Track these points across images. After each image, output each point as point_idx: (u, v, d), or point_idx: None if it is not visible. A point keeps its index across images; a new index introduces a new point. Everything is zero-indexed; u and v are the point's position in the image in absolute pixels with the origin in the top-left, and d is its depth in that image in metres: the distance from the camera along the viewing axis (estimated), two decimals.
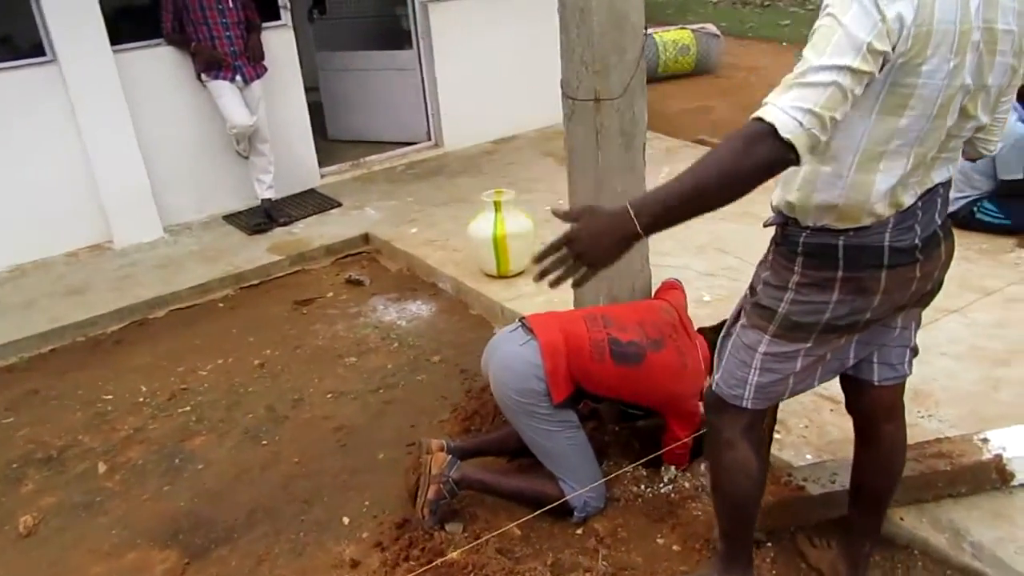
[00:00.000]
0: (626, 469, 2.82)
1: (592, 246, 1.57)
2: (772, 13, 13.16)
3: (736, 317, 2.02)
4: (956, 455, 2.41)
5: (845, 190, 1.66)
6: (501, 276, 4.24)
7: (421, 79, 6.37)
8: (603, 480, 2.69)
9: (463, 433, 3.25)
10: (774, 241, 1.87)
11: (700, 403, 2.62)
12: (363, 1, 7.05)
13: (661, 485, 2.80)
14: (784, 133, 1.41)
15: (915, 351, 2.01)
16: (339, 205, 5.63)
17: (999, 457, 2.42)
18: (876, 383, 1.99)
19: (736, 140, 1.46)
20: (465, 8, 6.26)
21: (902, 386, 2.03)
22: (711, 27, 9.68)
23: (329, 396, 3.59)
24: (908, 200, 1.70)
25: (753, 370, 1.94)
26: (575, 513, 2.65)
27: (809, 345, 1.86)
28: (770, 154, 1.44)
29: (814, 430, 2.81)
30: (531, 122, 6.85)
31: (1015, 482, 2.44)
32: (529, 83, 6.68)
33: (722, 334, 2.06)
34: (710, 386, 2.09)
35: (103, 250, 5.22)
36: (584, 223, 1.58)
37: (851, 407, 2.13)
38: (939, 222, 1.77)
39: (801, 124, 1.42)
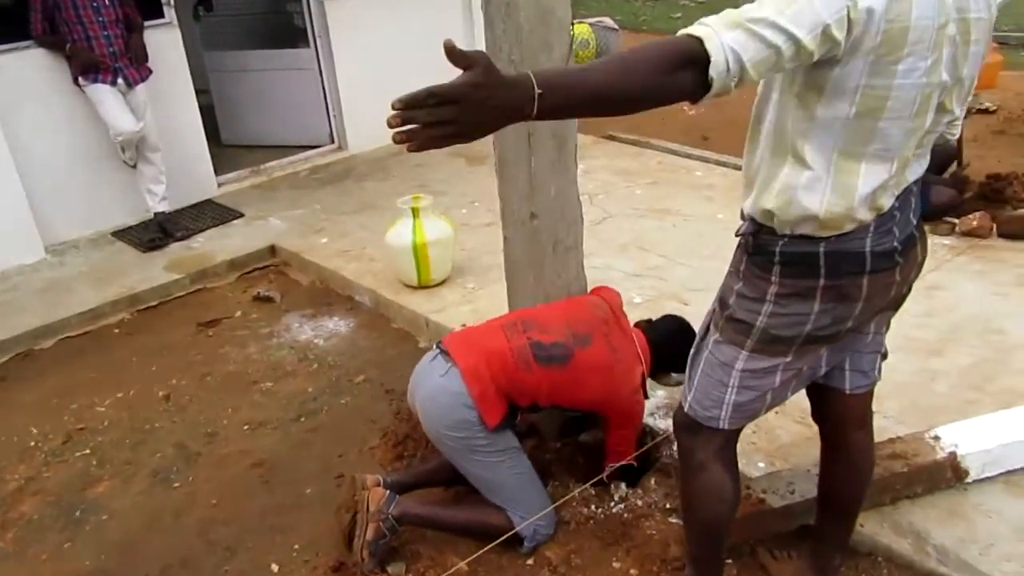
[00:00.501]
0: (573, 493, 2.67)
1: (475, 109, 1.25)
2: (664, 7, 13.36)
3: (705, 332, 1.91)
4: (911, 455, 2.38)
5: (827, 195, 1.56)
6: (423, 286, 4.04)
7: (321, 79, 6.08)
8: (552, 506, 2.54)
9: (396, 460, 3.05)
10: (744, 251, 1.76)
11: (639, 398, 2.55)
12: None
13: (612, 504, 2.68)
14: (712, 71, 1.29)
15: (885, 355, 1.94)
16: (240, 215, 5.29)
17: (953, 455, 2.40)
18: (848, 391, 1.92)
19: (665, 53, 1.30)
20: (364, 4, 5.99)
21: (872, 392, 1.97)
22: (608, 20, 9.61)
23: (246, 428, 3.32)
24: (887, 203, 1.62)
25: (730, 389, 1.83)
26: (524, 543, 2.50)
27: (789, 359, 1.76)
28: (689, 83, 1.31)
29: (763, 435, 2.75)
30: None
31: (969, 479, 2.43)
32: (434, 80, 6.40)
33: (692, 351, 1.94)
34: (680, 407, 1.97)
35: None
36: (478, 80, 1.24)
37: (819, 416, 2.05)
38: (915, 222, 1.70)
39: (728, 70, 1.30)
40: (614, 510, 2.65)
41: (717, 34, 1.30)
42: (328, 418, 3.35)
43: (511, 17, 2.43)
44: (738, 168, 5.45)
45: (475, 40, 6.52)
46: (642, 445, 2.83)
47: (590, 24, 10.93)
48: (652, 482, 2.73)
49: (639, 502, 2.66)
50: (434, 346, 2.60)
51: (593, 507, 2.67)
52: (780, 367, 1.78)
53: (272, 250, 4.84)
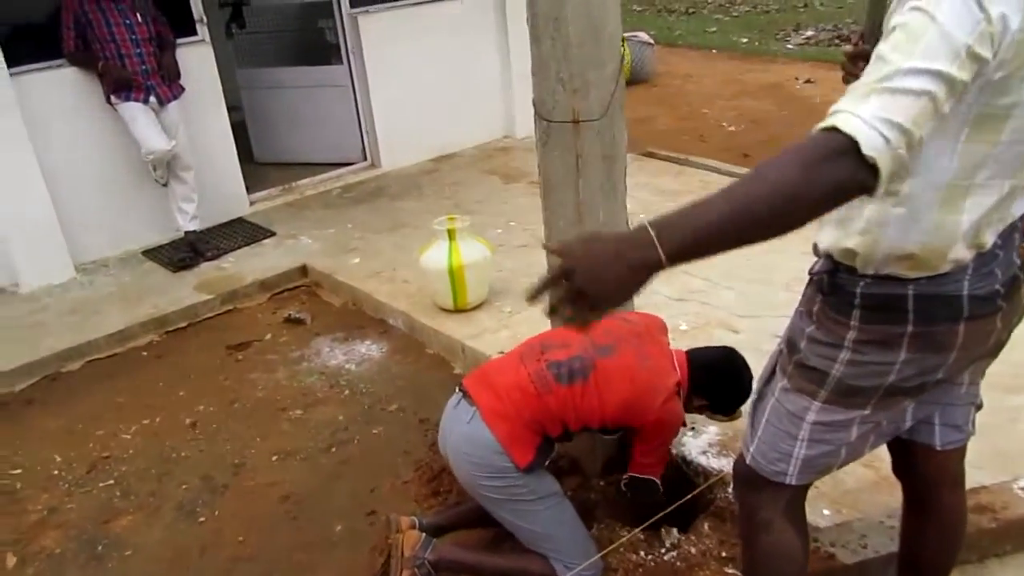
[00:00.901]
0: (622, 540, 2.49)
1: (595, 279, 1.18)
2: (697, 20, 13.18)
3: (770, 377, 1.73)
4: (999, 508, 2.18)
5: (924, 235, 1.38)
6: (459, 310, 3.90)
7: (354, 95, 5.98)
8: (599, 555, 2.37)
9: (431, 496, 2.90)
10: (819, 290, 1.58)
11: (673, 406, 2.29)
12: (285, 14, 6.60)
13: (663, 550, 2.50)
14: (868, 151, 1.08)
15: (979, 407, 1.75)
16: (272, 235, 5.19)
17: None
18: (939, 447, 1.73)
19: (802, 154, 1.11)
20: (397, 19, 5.90)
21: (964, 448, 1.77)
22: (643, 35, 9.53)
23: (274, 458, 3.19)
24: (990, 239, 1.44)
25: (800, 442, 1.65)
26: None
27: (868, 412, 1.58)
28: (847, 175, 1.10)
29: (827, 480, 2.53)
30: (471, 138, 6.54)
31: None
32: (467, 97, 6.37)
33: (753, 397, 1.77)
34: (741, 458, 1.80)
35: (7, 295, 4.66)
36: (582, 252, 1.19)
37: (903, 472, 1.86)
38: (1019, 262, 1.52)
39: (888, 141, 1.09)
40: (666, 557, 2.47)
41: (852, 112, 1.11)
42: (359, 449, 3.21)
43: (560, 32, 2.28)
44: None
45: (510, 59, 6.42)
46: (693, 486, 2.65)
47: (624, 38, 10.87)
48: (705, 527, 2.54)
49: (692, 549, 2.48)
50: (456, 389, 2.44)
51: (642, 553, 2.50)
52: (857, 420, 1.60)
53: (303, 270, 4.73)
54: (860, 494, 2.46)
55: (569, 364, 2.28)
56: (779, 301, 3.76)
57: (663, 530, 2.53)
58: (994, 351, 1.61)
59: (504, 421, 2.24)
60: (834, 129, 1.11)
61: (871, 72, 1.16)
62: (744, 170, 5.73)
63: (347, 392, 3.59)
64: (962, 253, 1.41)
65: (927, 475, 1.80)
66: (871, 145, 1.09)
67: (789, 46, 10.69)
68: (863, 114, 1.11)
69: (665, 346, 2.45)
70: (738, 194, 1.15)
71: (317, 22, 6.27)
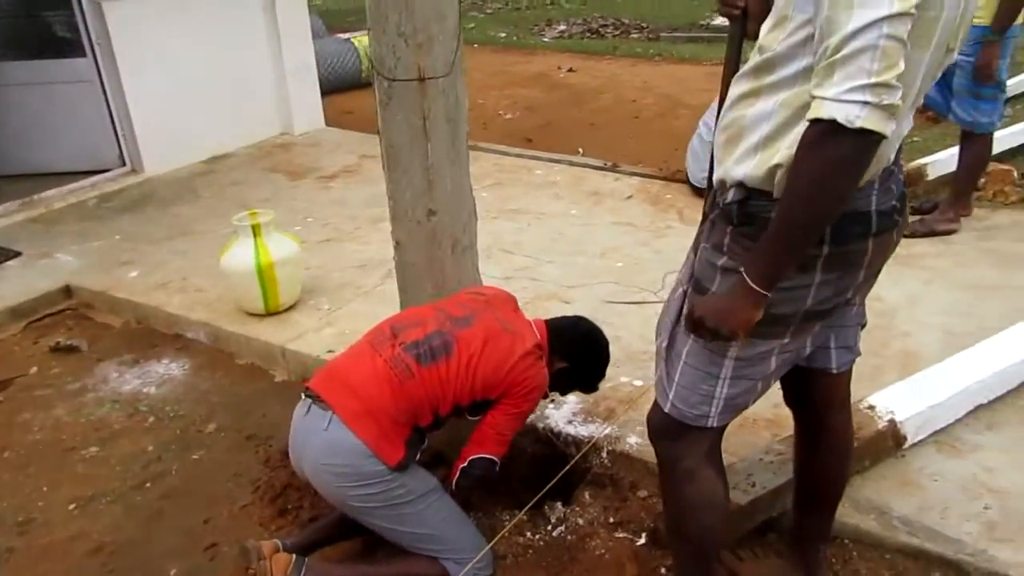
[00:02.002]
0: (508, 525, 2.34)
1: (722, 319, 1.47)
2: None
3: (677, 319, 1.66)
4: (856, 429, 2.27)
5: None
6: (271, 312, 3.52)
7: (104, 93, 5.27)
8: (489, 545, 2.19)
9: (278, 517, 2.57)
10: (728, 222, 1.52)
11: (537, 371, 2.16)
12: None
13: (549, 527, 2.38)
14: (851, 123, 1.21)
15: (864, 325, 1.79)
16: (17, 255, 4.42)
17: (893, 423, 2.35)
18: (835, 370, 1.75)
19: (806, 156, 1.28)
20: (149, 5, 5.27)
21: (852, 369, 1.81)
22: None
23: (72, 507, 2.66)
24: (892, 153, 1.46)
25: (722, 380, 1.59)
26: None
27: (786, 340, 1.56)
28: (851, 150, 1.25)
29: None
30: (246, 137, 6.04)
31: (906, 444, 2.38)
32: (238, 93, 5.88)
33: (662, 343, 1.68)
34: (656, 410, 1.71)
35: None
36: (707, 303, 1.51)
37: (797, 400, 1.87)
38: (903, 177, 1.56)
39: (866, 103, 1.20)
40: (554, 534, 2.36)
41: (823, 98, 1.24)
42: (180, 480, 2.77)
43: None
44: (574, 165, 5.40)
45: (281, 50, 6.01)
46: (566, 457, 2.56)
47: None
48: (587, 496, 2.47)
49: (579, 520, 2.38)
50: (302, 396, 2.17)
51: (529, 534, 2.37)
52: (776, 350, 1.58)
53: (67, 291, 4.06)
54: (731, 438, 2.45)
55: (428, 342, 2.09)
56: (599, 268, 3.82)
57: (546, 507, 2.42)
58: (881, 268, 1.65)
59: (367, 420, 2.00)
60: (816, 120, 1.24)
61: (825, 39, 1.24)
62: (531, 152, 5.82)
63: (152, 419, 3.10)
64: (876, 166, 1.42)
65: (821, 399, 1.82)
66: (849, 118, 1.21)
67: (545, 39, 11.09)
68: (830, 94, 1.22)
69: (520, 313, 2.34)
70: (787, 216, 1.34)
71: (41, 10, 5.40)
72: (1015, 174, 4.38)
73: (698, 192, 4.65)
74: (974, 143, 3.82)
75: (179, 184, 5.37)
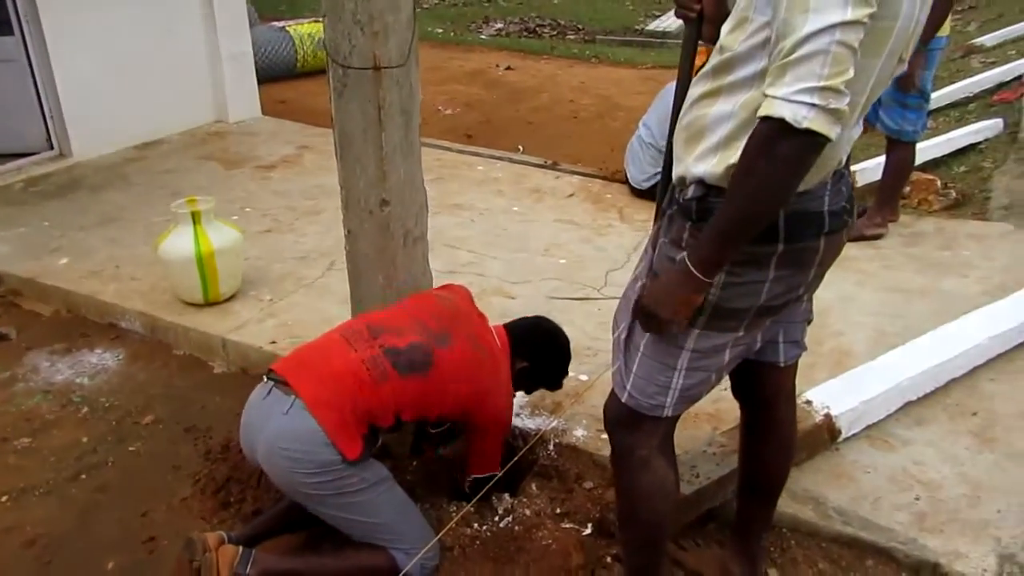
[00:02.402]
0: (456, 516, 2.35)
1: (662, 305, 1.53)
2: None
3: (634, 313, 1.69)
4: None
5: None
6: (209, 303, 3.44)
7: (31, 73, 5.05)
8: (438, 536, 2.20)
9: (220, 510, 2.52)
10: (687, 218, 1.57)
11: (509, 399, 2.32)
12: None
13: (496, 518, 2.40)
14: (798, 124, 1.25)
15: (810, 321, 1.87)
16: None
17: (828, 417, 2.45)
18: (782, 364, 1.82)
19: (754, 152, 1.33)
20: None
21: (798, 363, 1.89)
22: None
23: (4, 499, 2.56)
24: (843, 156, 1.53)
25: (678, 372, 1.64)
26: None
27: (740, 334, 1.61)
28: (796, 150, 1.29)
29: None
30: (178, 123, 5.87)
31: (840, 438, 2.49)
32: (172, 77, 5.72)
33: (621, 335, 1.72)
34: (614, 400, 1.75)
35: None
36: (651, 290, 1.57)
37: (745, 393, 1.94)
38: (850, 180, 1.64)
39: (814, 105, 1.24)
40: (501, 525, 2.37)
41: (774, 96, 1.27)
42: (117, 472, 2.69)
43: None
44: (515, 163, 5.43)
45: (217, 34, 5.87)
46: (513, 449, 2.58)
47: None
48: (534, 487, 2.49)
49: (526, 511, 2.40)
50: (264, 378, 2.14)
51: (476, 525, 2.37)
52: (730, 344, 1.63)
53: None
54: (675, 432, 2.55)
55: (409, 354, 2.10)
56: (542, 265, 3.86)
57: (494, 498, 2.43)
58: (830, 266, 1.72)
59: (331, 410, 1.99)
60: (766, 118, 1.28)
61: (780, 41, 1.28)
62: (472, 148, 5.83)
63: (85, 409, 3.00)
64: (826, 168, 1.48)
65: (769, 391, 1.89)
66: (796, 118, 1.25)
67: (483, 36, 11.11)
68: (781, 93, 1.26)
69: (484, 320, 2.38)
70: (731, 206, 1.39)
71: None
72: (938, 183, 4.60)
73: (637, 193, 4.74)
74: (899, 151, 4.00)
75: (109, 170, 5.19)
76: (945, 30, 3.75)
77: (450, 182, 5.01)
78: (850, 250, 3.89)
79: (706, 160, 1.51)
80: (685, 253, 1.48)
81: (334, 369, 2.04)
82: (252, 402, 2.11)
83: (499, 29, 11.72)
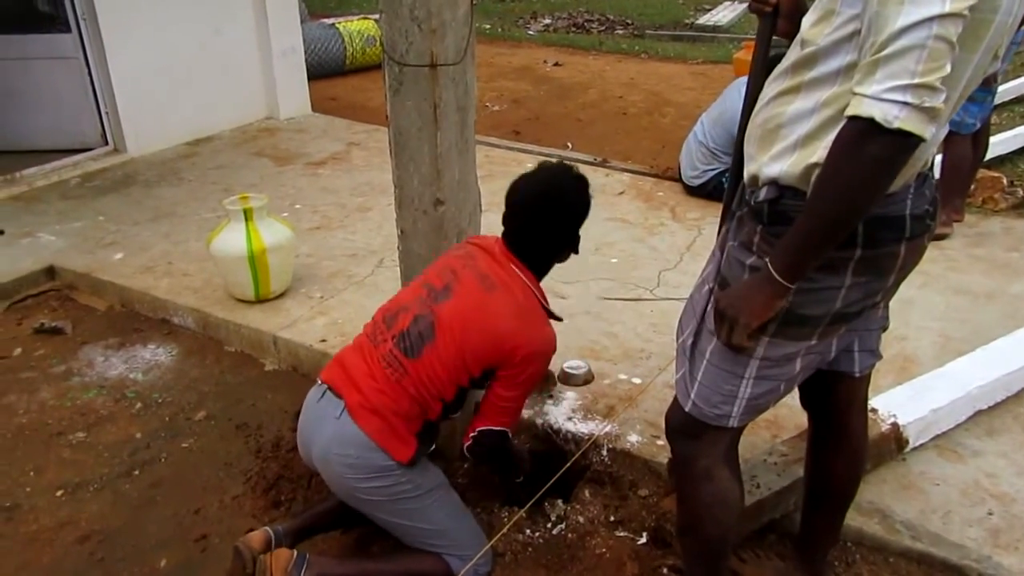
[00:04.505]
0: (509, 523, 2.31)
1: (740, 309, 1.47)
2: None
3: (704, 316, 1.64)
4: None
5: None
6: (261, 300, 3.46)
7: (88, 70, 5.14)
8: (491, 542, 2.16)
9: (271, 508, 2.53)
10: (758, 221, 1.50)
11: (543, 332, 2.03)
12: None
13: (549, 525, 2.35)
14: (888, 124, 1.19)
15: (886, 328, 1.79)
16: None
17: (896, 426, 2.35)
18: (857, 374, 1.73)
19: (840, 154, 1.27)
20: None
21: (871, 373, 1.80)
22: None
23: (60, 493, 2.59)
24: (930, 157, 1.45)
25: (745, 381, 1.57)
26: None
27: (813, 342, 1.54)
28: (885, 151, 1.23)
29: None
30: (229, 119, 5.94)
31: (908, 448, 2.39)
32: (222, 74, 5.78)
33: (688, 340, 1.66)
34: (676, 409, 1.69)
35: None
36: (728, 294, 1.51)
37: (816, 403, 1.86)
38: (935, 181, 1.55)
39: (906, 104, 1.18)
40: (554, 532, 2.33)
41: (863, 95, 1.21)
42: (170, 468, 2.71)
43: None
44: (564, 159, 5.36)
45: (269, 32, 5.91)
46: (565, 454, 2.54)
47: (375, 20, 10.57)
48: (587, 494, 2.44)
49: (580, 519, 2.36)
50: (318, 381, 2.13)
51: (529, 532, 2.34)
52: (802, 352, 1.56)
53: (50, 272, 3.95)
54: None
55: (413, 330, 2.01)
56: (594, 264, 3.80)
57: (547, 504, 2.39)
58: (910, 272, 1.64)
59: (373, 415, 1.97)
60: (854, 117, 1.22)
61: (872, 35, 1.21)
62: (520, 145, 5.79)
63: (139, 405, 3.03)
64: (912, 169, 1.41)
65: (842, 402, 1.81)
66: (887, 117, 1.18)
67: (531, 32, 11.04)
68: (871, 91, 1.20)
69: (501, 258, 2.08)
70: (816, 211, 1.33)
71: None
72: (1004, 181, 4.42)
73: (690, 190, 4.65)
74: (956, 145, 3.84)
75: (163, 165, 5.26)
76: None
77: (500, 179, 4.94)
78: None
79: (782, 160, 1.45)
80: (768, 258, 1.41)
81: (362, 373, 2.01)
82: (308, 404, 2.10)
83: (547, 25, 11.65)
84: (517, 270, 2.06)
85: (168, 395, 3.09)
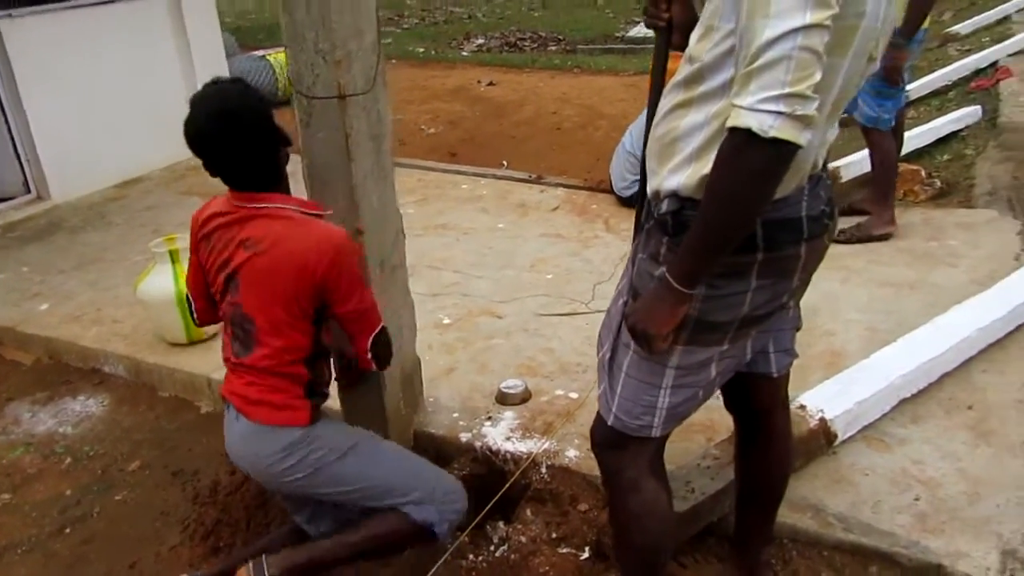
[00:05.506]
0: (450, 548, 2.29)
1: (647, 321, 1.48)
2: (407, 36, 13.16)
3: (619, 330, 1.65)
4: None
5: None
6: (193, 341, 3.39)
7: (4, 118, 5.01)
8: (453, 477, 2.21)
9: (210, 555, 2.47)
10: (664, 232, 1.53)
11: (339, 243, 1.90)
12: None
13: (492, 547, 2.34)
14: (765, 133, 1.21)
15: (799, 328, 1.82)
16: None
17: (823, 421, 2.40)
18: (775, 374, 1.77)
19: (723, 164, 1.30)
20: (52, 24, 5.06)
21: (790, 371, 1.84)
22: None
23: None
24: (820, 160, 1.49)
25: (663, 390, 1.59)
26: (437, 531, 2.09)
27: (725, 347, 1.57)
28: (765, 160, 1.25)
29: None
30: (158, 159, 5.82)
31: (837, 441, 2.44)
32: (148, 114, 5.67)
33: (604, 355, 1.68)
34: (600, 423, 1.70)
35: None
36: (635, 308, 1.53)
37: (739, 405, 1.89)
38: (830, 182, 1.60)
39: (780, 113, 1.21)
40: (496, 554, 2.32)
41: (739, 107, 1.24)
42: (103, 523, 2.63)
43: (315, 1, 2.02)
44: (499, 179, 5.40)
45: (194, 66, 5.85)
46: (504, 474, 2.53)
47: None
48: (528, 513, 2.43)
49: (522, 538, 2.35)
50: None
51: (472, 556, 2.32)
52: (716, 358, 1.59)
53: None
54: (668, 446, 2.47)
55: (237, 329, 1.96)
56: (529, 281, 3.81)
57: (488, 526, 2.38)
58: (813, 272, 1.68)
59: (256, 407, 1.96)
60: (734, 128, 1.25)
61: (744, 49, 1.24)
62: (456, 166, 5.80)
63: (69, 460, 2.94)
64: (799, 174, 1.45)
65: (763, 402, 1.84)
66: (762, 127, 1.21)
67: (464, 53, 11.10)
68: (746, 103, 1.23)
69: (234, 202, 2.02)
70: (705, 218, 1.36)
71: None
72: (923, 173, 4.56)
73: (622, 201, 4.70)
74: (880, 142, 3.94)
75: (89, 210, 5.15)
76: (927, 23, 3.73)
77: (434, 202, 4.97)
78: (836, 247, 3.87)
79: (680, 172, 1.48)
80: (665, 268, 1.44)
81: (232, 373, 2.02)
82: (225, 427, 2.08)
83: (480, 45, 11.73)
84: (254, 203, 1.95)
85: (100, 447, 3.01)
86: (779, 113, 1.21)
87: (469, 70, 9.81)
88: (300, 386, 1.97)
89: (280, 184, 2.02)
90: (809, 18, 1.19)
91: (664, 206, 1.52)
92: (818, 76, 1.22)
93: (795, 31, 1.19)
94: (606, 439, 1.71)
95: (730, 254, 1.43)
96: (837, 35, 1.27)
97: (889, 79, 3.65)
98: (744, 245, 1.43)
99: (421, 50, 11.32)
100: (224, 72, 6.13)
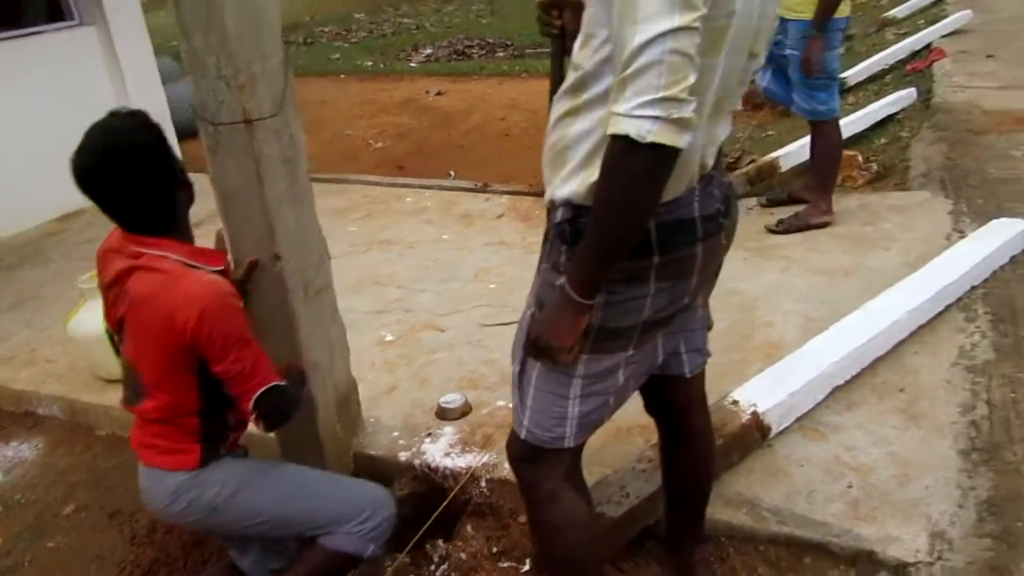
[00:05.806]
0: (388, 570, 2.26)
1: (550, 334, 1.47)
2: (318, 49, 13.07)
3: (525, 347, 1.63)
4: (720, 426, 2.32)
5: None
6: None
7: None
8: (379, 487, 2.21)
9: None
10: (562, 241, 1.51)
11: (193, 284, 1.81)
12: None
13: (433, 567, 2.32)
14: (643, 138, 1.21)
15: (710, 327, 1.82)
16: None
17: (755, 415, 2.40)
18: (688, 375, 1.77)
19: (607, 171, 1.29)
20: None
21: (705, 370, 1.84)
22: None
23: None
24: (711, 159, 1.49)
25: (572, 400, 1.58)
26: (371, 549, 2.05)
27: (630, 353, 1.56)
28: (646, 165, 1.25)
29: None
30: None
31: (771, 435, 2.44)
32: (75, 137, 5.56)
33: (515, 368, 1.66)
34: (514, 437, 1.69)
35: None
36: (537, 321, 1.53)
37: (657, 408, 1.89)
38: (727, 180, 1.59)
39: (657, 118, 1.20)
40: (437, 573, 2.29)
41: (616, 113, 1.23)
42: (35, 572, 2.57)
43: (213, 24, 1.99)
44: (445, 189, 5.37)
45: (127, 90, 5.76)
46: (444, 491, 2.50)
47: None
48: (469, 529, 2.41)
49: (462, 555, 2.33)
50: None
51: None
52: (622, 364, 1.58)
53: None
54: (604, 450, 2.48)
55: (128, 377, 1.98)
56: (472, 292, 3.79)
57: (428, 545, 2.35)
58: (718, 270, 1.68)
59: (147, 450, 1.95)
60: (614, 135, 1.24)
61: (618, 56, 1.24)
62: (401, 180, 5.76)
63: (0, 508, 2.87)
64: (687, 175, 1.44)
65: (679, 403, 1.84)
66: (640, 132, 1.21)
67: (412, 64, 11.07)
68: (623, 109, 1.22)
69: (127, 245, 1.89)
70: (595, 226, 1.35)
71: None
72: (860, 158, 4.62)
73: None
74: (820, 131, 3.98)
75: (25, 247, 5.04)
76: (845, 11, 3.75)
77: (378, 218, 4.94)
78: (776, 238, 3.90)
79: (572, 180, 1.47)
80: (564, 278, 1.43)
81: (133, 420, 2.00)
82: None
83: (429, 55, 11.69)
84: (142, 248, 1.85)
85: (33, 493, 2.93)
86: (655, 118, 1.20)
87: (418, 81, 9.78)
88: (190, 434, 1.92)
89: (174, 227, 1.93)
90: (677, 21, 1.18)
91: (559, 215, 1.51)
92: (692, 78, 1.22)
93: (663, 35, 1.18)
94: (521, 453, 1.69)
95: (626, 259, 1.42)
96: (708, 36, 1.27)
97: (807, 69, 3.67)
98: (639, 249, 1.43)
99: (370, 63, 11.27)
100: (161, 98, 6.07)
